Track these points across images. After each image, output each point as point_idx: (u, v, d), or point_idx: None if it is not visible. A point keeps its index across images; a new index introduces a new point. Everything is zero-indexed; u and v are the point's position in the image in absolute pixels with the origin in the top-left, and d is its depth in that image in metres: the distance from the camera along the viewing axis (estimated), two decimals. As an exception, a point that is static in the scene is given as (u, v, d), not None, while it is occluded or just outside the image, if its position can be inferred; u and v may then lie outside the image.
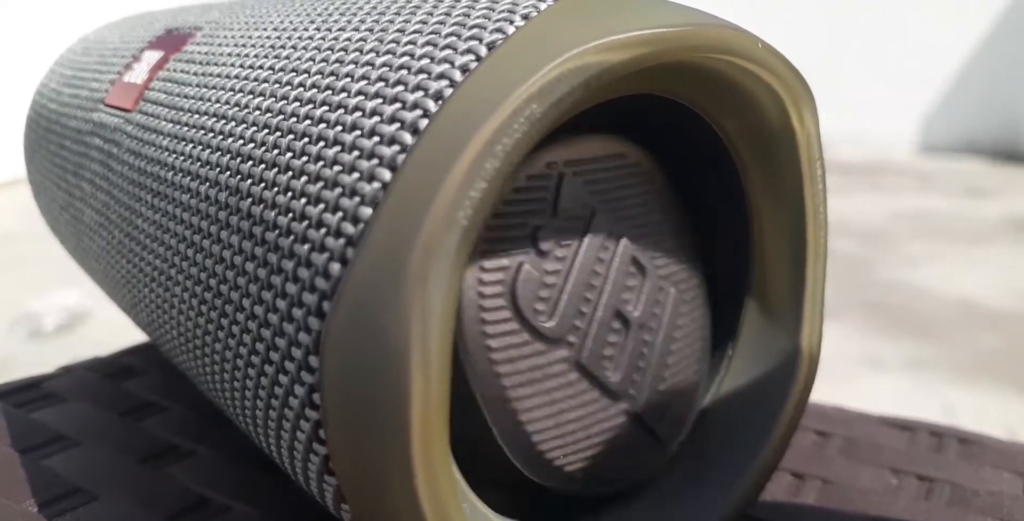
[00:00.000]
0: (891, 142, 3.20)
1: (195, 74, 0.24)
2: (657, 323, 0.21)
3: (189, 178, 0.21)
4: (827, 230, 0.23)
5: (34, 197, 0.41)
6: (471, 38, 0.17)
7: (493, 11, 0.17)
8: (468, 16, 0.17)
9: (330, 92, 0.18)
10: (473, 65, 0.16)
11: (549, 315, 0.19)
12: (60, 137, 0.33)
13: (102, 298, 1.55)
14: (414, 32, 0.18)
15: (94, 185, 0.29)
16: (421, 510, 0.15)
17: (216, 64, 0.23)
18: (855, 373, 1.27)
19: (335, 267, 0.15)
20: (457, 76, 0.16)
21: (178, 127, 0.23)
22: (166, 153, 0.23)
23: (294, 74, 0.19)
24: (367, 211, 0.15)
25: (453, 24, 0.17)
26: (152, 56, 0.29)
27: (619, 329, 0.20)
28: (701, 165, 0.22)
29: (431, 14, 0.18)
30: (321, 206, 0.16)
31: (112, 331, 1.43)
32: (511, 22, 0.17)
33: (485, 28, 0.17)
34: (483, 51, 0.16)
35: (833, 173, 2.69)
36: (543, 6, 0.17)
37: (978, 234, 2.05)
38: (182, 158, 0.22)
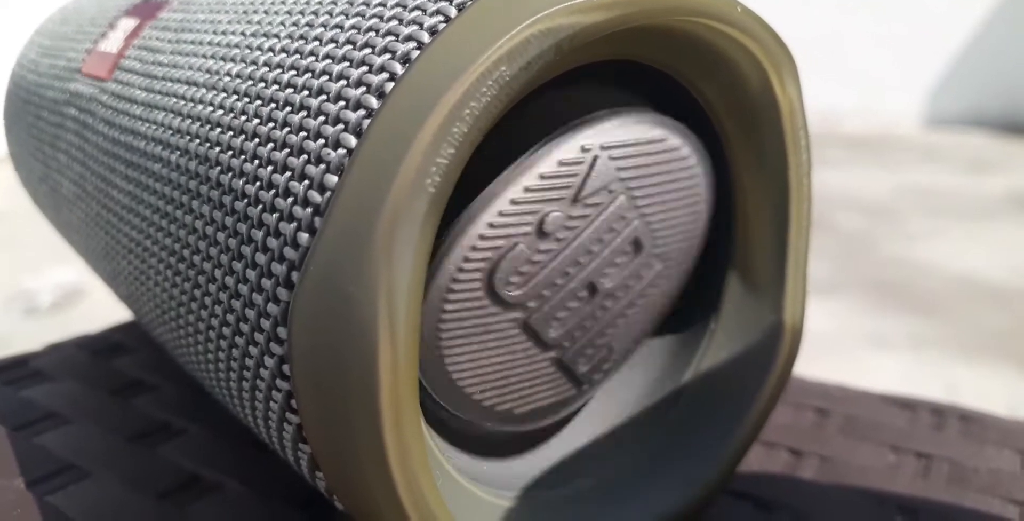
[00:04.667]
0: (897, 115, 3.17)
1: (169, 41, 0.24)
2: (625, 293, 0.21)
3: (161, 147, 0.21)
4: (811, 202, 0.22)
5: (15, 169, 0.41)
6: None
7: None
8: None
9: (298, 56, 0.17)
10: (441, 26, 0.16)
11: (519, 286, 0.18)
12: (37, 108, 0.33)
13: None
14: None
15: (70, 156, 0.28)
16: (392, 477, 0.15)
17: (190, 30, 0.23)
18: (857, 350, 1.26)
19: (303, 237, 0.15)
20: (425, 38, 0.15)
21: (151, 95, 0.22)
22: (139, 122, 0.22)
23: (264, 38, 0.19)
24: (333, 179, 0.15)
25: None
26: (128, 24, 0.28)
27: (584, 297, 0.20)
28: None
29: None
30: (288, 174, 0.16)
31: (108, 308, 1.43)
32: None
33: None
34: (452, 12, 0.16)
35: (838, 147, 2.68)
36: None
37: (983, 210, 2.03)
38: (155, 127, 0.21)
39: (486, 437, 0.21)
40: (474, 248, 0.17)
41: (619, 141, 0.19)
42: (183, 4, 0.26)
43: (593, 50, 0.17)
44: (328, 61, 0.16)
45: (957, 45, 3.06)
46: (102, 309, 1.44)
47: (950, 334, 1.33)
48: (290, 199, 0.16)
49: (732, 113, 0.21)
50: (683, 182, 0.20)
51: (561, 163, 0.18)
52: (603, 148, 0.18)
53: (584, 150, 0.18)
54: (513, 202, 0.17)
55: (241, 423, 0.27)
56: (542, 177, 0.18)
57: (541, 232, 0.18)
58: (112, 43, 0.28)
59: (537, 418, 0.21)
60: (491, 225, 0.17)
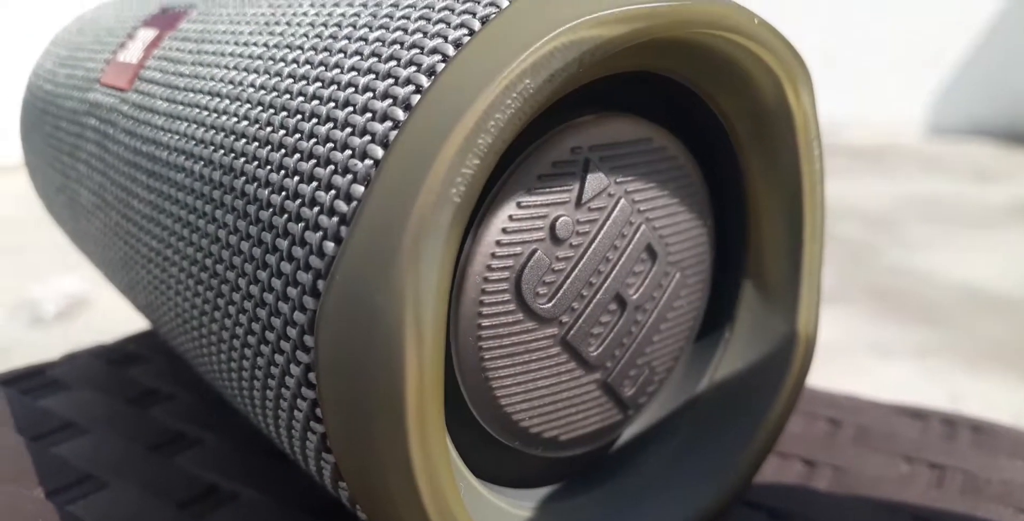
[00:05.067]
0: (899, 125, 3.18)
1: (190, 52, 0.24)
2: (653, 305, 0.21)
3: (184, 157, 0.21)
4: (824, 211, 0.22)
5: (30, 178, 0.41)
6: (465, 12, 0.16)
7: None
8: None
9: (323, 68, 0.18)
10: (466, 39, 0.16)
11: (549, 298, 0.19)
12: (55, 118, 0.33)
13: (103, 284, 1.56)
14: (408, 6, 0.17)
15: (89, 166, 0.28)
16: (417, 487, 0.15)
17: (211, 41, 0.23)
18: (861, 359, 1.26)
19: (329, 246, 0.15)
20: (450, 51, 0.16)
21: (173, 106, 0.22)
22: (161, 132, 0.22)
23: (288, 50, 0.19)
24: (360, 189, 0.15)
25: None
26: (147, 34, 0.28)
27: (614, 310, 0.20)
28: (699, 145, 0.22)
29: None
30: (314, 184, 0.16)
31: (114, 317, 1.43)
32: None
33: (479, 2, 0.16)
34: (476, 25, 0.16)
35: (840, 156, 2.68)
36: None
37: (985, 219, 2.03)
38: (177, 137, 0.21)
39: (510, 452, 0.21)
40: (494, 255, 0.18)
41: (606, 141, 0.19)
42: (202, 15, 0.26)
43: (612, 61, 0.17)
44: (354, 73, 0.17)
45: (959, 55, 3.07)
46: (107, 319, 1.44)
47: (954, 344, 1.33)
48: (316, 209, 0.16)
49: (746, 123, 0.21)
50: (678, 183, 0.21)
51: (555, 164, 0.18)
52: (591, 149, 0.19)
53: (574, 151, 0.19)
54: (520, 205, 0.18)
55: (259, 433, 0.28)
56: (540, 178, 0.18)
57: (555, 237, 0.18)
58: (131, 54, 0.28)
59: (582, 444, 0.21)
60: (504, 231, 0.18)
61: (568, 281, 0.19)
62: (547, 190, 0.18)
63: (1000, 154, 2.81)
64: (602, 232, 0.19)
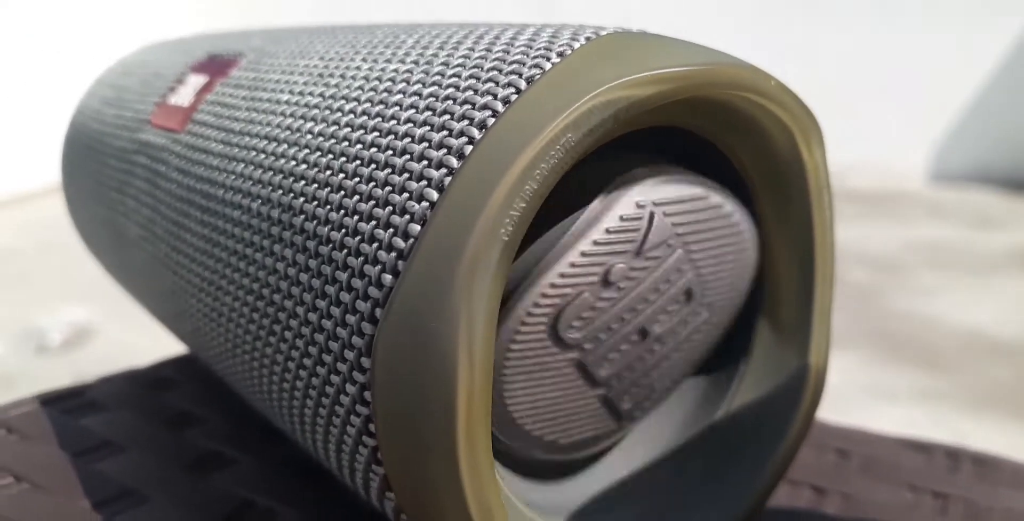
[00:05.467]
0: (903, 171, 3.21)
1: (244, 98, 0.26)
2: (673, 338, 0.23)
3: (240, 195, 0.23)
4: (834, 254, 0.24)
5: (70, 213, 0.43)
6: (512, 72, 0.18)
7: (531, 49, 0.19)
8: (508, 53, 0.19)
9: (380, 119, 0.19)
10: (513, 97, 0.18)
11: (579, 329, 0.20)
12: (103, 155, 0.35)
13: (108, 314, 1.57)
14: (458, 66, 0.19)
15: (138, 201, 0.30)
16: (465, 498, 0.17)
17: (264, 89, 0.25)
18: (864, 403, 1.27)
19: (387, 278, 0.17)
20: (499, 107, 0.18)
21: (228, 148, 0.24)
22: (216, 172, 0.24)
23: (344, 101, 0.21)
24: (416, 228, 0.17)
25: (494, 60, 0.19)
26: (197, 80, 0.30)
27: (635, 340, 0.22)
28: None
29: (472, 50, 0.20)
30: (373, 223, 0.18)
31: (119, 347, 1.45)
32: (548, 59, 0.18)
33: (524, 64, 0.18)
34: (523, 85, 0.18)
35: (844, 202, 2.70)
36: (576, 45, 0.19)
37: (989, 265, 2.05)
38: (233, 176, 0.23)
39: (537, 467, 0.22)
40: (544, 295, 0.19)
41: (669, 198, 0.21)
42: (253, 63, 0.28)
43: (643, 117, 0.19)
44: (409, 125, 0.19)
45: (963, 103, 3.11)
46: (112, 348, 1.46)
47: (957, 388, 1.34)
48: (375, 245, 0.18)
49: (762, 173, 0.23)
50: (731, 238, 0.23)
51: (623, 218, 0.20)
52: (655, 204, 0.21)
53: (639, 206, 0.20)
54: (583, 254, 0.19)
55: (294, 456, 0.29)
56: (608, 231, 0.20)
57: (606, 282, 0.20)
58: (182, 97, 0.30)
59: (578, 449, 0.23)
60: (562, 275, 0.19)
61: (603, 317, 0.21)
62: (611, 242, 0.20)
63: (1002, 202, 2.83)
64: (651, 278, 0.21)
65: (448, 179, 0.17)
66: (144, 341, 1.44)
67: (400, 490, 0.18)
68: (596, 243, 0.20)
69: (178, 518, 0.25)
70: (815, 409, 0.24)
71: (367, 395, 0.18)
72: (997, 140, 3.08)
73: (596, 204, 0.20)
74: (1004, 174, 3.04)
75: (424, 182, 0.17)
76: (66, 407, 0.33)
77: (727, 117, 0.21)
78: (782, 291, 0.24)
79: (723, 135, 0.22)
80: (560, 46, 0.19)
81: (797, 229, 0.23)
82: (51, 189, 2.61)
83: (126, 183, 0.32)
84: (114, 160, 0.33)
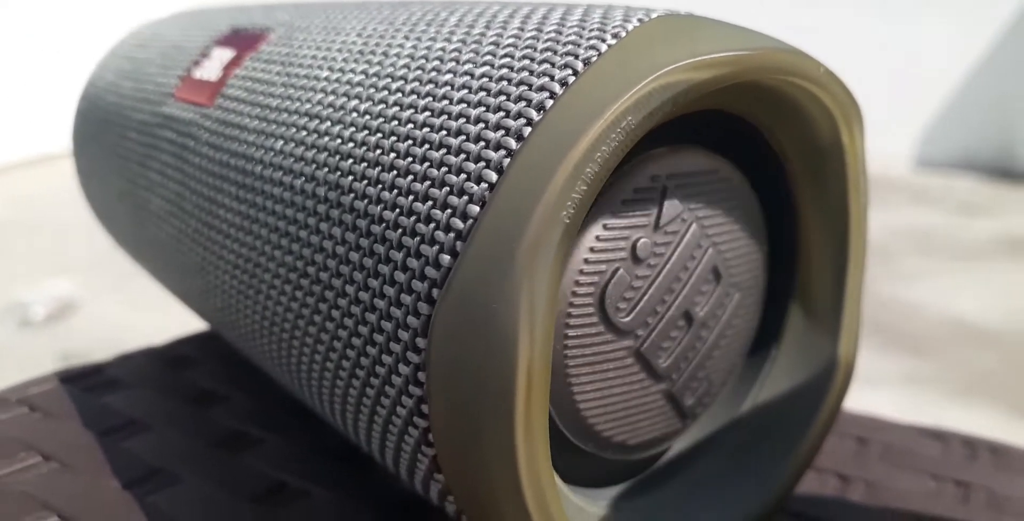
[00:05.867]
0: (888, 158, 3.23)
1: (278, 74, 0.26)
2: (715, 322, 0.23)
3: (281, 173, 0.22)
4: (867, 242, 0.24)
5: (82, 186, 0.42)
6: (567, 54, 0.18)
7: (584, 29, 0.19)
8: (560, 33, 0.19)
9: (431, 99, 0.19)
10: (571, 79, 0.18)
11: (627, 312, 0.20)
12: (122, 128, 0.35)
13: (92, 288, 1.57)
14: (509, 46, 0.19)
15: (164, 175, 0.30)
16: (520, 483, 0.17)
17: (300, 65, 0.25)
18: (850, 389, 1.28)
19: (445, 258, 0.17)
20: (557, 89, 0.18)
21: (265, 124, 0.24)
22: (253, 148, 0.24)
23: (389, 80, 0.21)
24: (475, 209, 0.17)
25: (547, 40, 0.19)
26: (224, 54, 0.30)
27: (682, 326, 0.22)
28: (758, 177, 0.24)
29: (522, 29, 0.20)
30: (429, 203, 0.18)
31: (102, 321, 1.44)
32: (603, 40, 0.18)
33: (579, 45, 0.18)
34: (580, 66, 0.18)
35: (831, 187, 2.70)
36: (629, 26, 0.19)
37: (973, 252, 2.07)
38: (272, 153, 0.23)
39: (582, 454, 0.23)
40: (581, 272, 0.19)
41: (682, 171, 0.21)
42: (284, 38, 0.28)
43: (698, 102, 0.19)
44: (463, 105, 0.19)
45: (949, 89, 3.13)
46: (95, 322, 1.45)
47: (941, 374, 1.35)
48: (432, 225, 0.18)
49: (802, 158, 0.23)
50: (740, 211, 0.23)
51: (636, 190, 0.20)
52: (668, 177, 0.21)
53: (653, 179, 0.21)
54: (605, 227, 0.20)
55: (321, 435, 0.29)
56: (623, 203, 0.20)
57: (635, 257, 0.20)
58: (209, 72, 0.30)
59: (645, 449, 0.23)
60: (592, 250, 0.19)
61: (645, 298, 0.21)
62: (629, 214, 0.20)
63: (987, 189, 2.85)
64: (676, 254, 0.21)
65: (507, 161, 0.17)
66: (128, 315, 1.44)
67: (451, 472, 0.18)
68: (615, 215, 0.20)
69: (211, 498, 0.25)
70: (844, 396, 0.25)
71: (421, 376, 0.18)
72: (982, 127, 3.10)
73: (613, 179, 0.20)
74: (989, 161, 3.06)
75: (482, 163, 0.17)
76: (87, 385, 0.33)
77: (773, 101, 0.21)
78: (814, 276, 0.25)
79: (766, 119, 0.22)
80: (614, 27, 0.19)
81: (833, 214, 0.24)
82: (32, 161, 2.58)
83: (149, 156, 0.31)
84: (135, 133, 0.33)
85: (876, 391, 1.28)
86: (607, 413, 0.21)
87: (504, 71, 0.19)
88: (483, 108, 0.18)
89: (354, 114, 0.21)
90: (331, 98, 0.22)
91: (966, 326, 1.57)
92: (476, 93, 0.19)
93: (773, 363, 0.25)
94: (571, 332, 0.20)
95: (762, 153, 0.23)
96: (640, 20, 0.19)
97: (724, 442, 0.25)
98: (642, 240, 0.20)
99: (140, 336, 0.36)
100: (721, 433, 0.25)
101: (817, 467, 0.29)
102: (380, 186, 0.19)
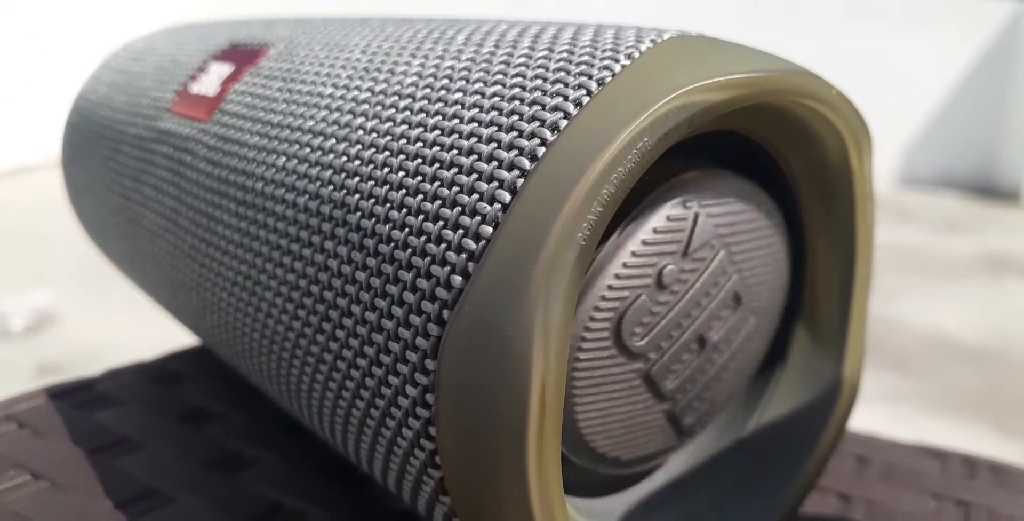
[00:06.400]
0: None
1: (280, 90, 0.25)
2: (728, 346, 0.23)
3: (284, 189, 0.22)
4: (872, 264, 0.24)
5: (71, 199, 0.42)
6: (581, 74, 0.18)
7: (596, 50, 0.19)
8: (572, 53, 0.19)
9: (440, 117, 0.19)
10: (585, 100, 0.17)
11: (643, 337, 0.20)
12: (115, 142, 0.34)
13: (72, 299, 1.55)
14: (520, 65, 0.19)
15: (159, 190, 0.30)
16: (531, 505, 0.17)
17: (303, 82, 0.25)
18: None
19: (457, 279, 0.17)
20: (571, 109, 0.17)
21: (266, 140, 0.24)
22: (253, 164, 0.24)
23: (396, 97, 0.21)
24: (488, 229, 0.17)
25: (559, 60, 0.19)
26: (222, 69, 0.30)
27: (695, 349, 0.22)
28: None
29: (533, 49, 0.20)
30: (440, 223, 0.17)
31: (82, 332, 1.43)
32: (617, 61, 0.18)
33: (593, 65, 0.18)
34: (593, 86, 0.18)
35: (814, 204, 2.72)
36: (643, 47, 0.18)
37: (955, 269, 2.08)
38: (273, 169, 0.23)
39: (590, 477, 0.22)
40: (603, 298, 0.19)
41: (713, 200, 0.21)
42: (284, 54, 0.27)
43: (712, 123, 0.19)
44: (475, 124, 0.18)
45: (930, 108, 3.16)
46: (74, 334, 1.43)
47: (924, 392, 1.36)
48: (443, 245, 0.17)
49: (811, 179, 0.23)
50: (766, 239, 0.23)
51: (669, 218, 0.20)
52: (701, 205, 0.21)
53: (686, 206, 0.20)
54: (634, 254, 0.19)
55: (315, 453, 0.29)
56: (655, 231, 0.20)
57: (660, 284, 0.20)
58: (207, 86, 0.29)
59: (638, 464, 0.23)
60: (617, 276, 0.19)
61: (662, 323, 0.20)
62: (659, 241, 0.20)
63: (968, 206, 2.88)
64: (700, 280, 0.21)
65: (520, 181, 0.17)
66: (108, 326, 1.42)
67: (458, 495, 0.18)
68: (645, 243, 0.20)
69: (205, 519, 0.25)
70: (848, 416, 0.24)
71: (429, 398, 0.17)
72: (964, 145, 3.13)
73: (644, 204, 0.20)
74: (970, 178, 3.09)
75: (495, 183, 0.17)
76: (77, 401, 0.32)
77: (784, 123, 0.21)
78: (821, 297, 0.24)
79: (776, 140, 0.22)
80: (627, 48, 0.19)
81: (840, 235, 0.24)
82: (9, 172, 2.56)
83: (144, 171, 0.31)
84: (129, 148, 0.33)
85: (858, 408, 1.28)
86: (606, 430, 0.21)
87: (516, 90, 0.18)
88: (495, 127, 0.18)
89: (360, 131, 0.21)
90: (336, 115, 0.22)
91: (947, 343, 1.58)
92: (488, 112, 0.18)
93: (777, 383, 0.25)
94: (583, 355, 0.19)
95: (770, 173, 0.23)
96: (653, 41, 0.19)
97: (728, 463, 0.25)
98: (669, 267, 0.20)
99: (120, 348, 0.36)
100: (725, 454, 0.25)
101: (818, 487, 0.29)
102: (388, 205, 0.19)
